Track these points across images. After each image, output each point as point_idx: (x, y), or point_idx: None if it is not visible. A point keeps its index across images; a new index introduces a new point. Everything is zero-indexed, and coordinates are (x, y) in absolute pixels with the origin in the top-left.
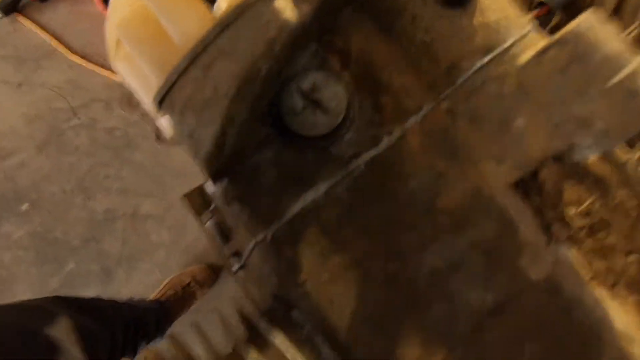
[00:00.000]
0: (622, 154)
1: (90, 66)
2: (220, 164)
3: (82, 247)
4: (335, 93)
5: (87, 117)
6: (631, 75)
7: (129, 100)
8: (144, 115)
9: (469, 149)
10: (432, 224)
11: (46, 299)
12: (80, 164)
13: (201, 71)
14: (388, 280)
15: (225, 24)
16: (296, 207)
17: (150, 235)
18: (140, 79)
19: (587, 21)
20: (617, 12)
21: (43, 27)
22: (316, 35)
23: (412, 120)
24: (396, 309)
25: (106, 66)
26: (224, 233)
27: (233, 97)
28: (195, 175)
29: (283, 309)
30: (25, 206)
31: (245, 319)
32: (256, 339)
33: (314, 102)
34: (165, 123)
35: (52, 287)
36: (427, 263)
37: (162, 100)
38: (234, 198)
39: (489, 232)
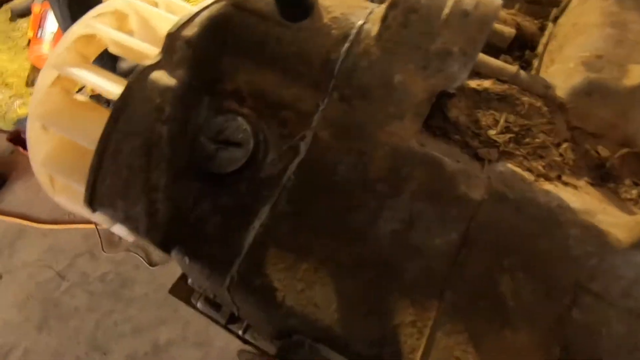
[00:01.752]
0: (510, 67)
1: (63, 227)
2: (164, 232)
3: None
4: (237, 127)
5: (76, 274)
6: (456, 3)
7: (109, 240)
8: (128, 248)
9: (371, 120)
10: (373, 196)
11: None
12: (85, 324)
13: (112, 159)
14: (357, 263)
15: (118, 111)
16: (249, 238)
17: None
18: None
19: None
20: None
21: (6, 213)
22: (205, 89)
23: (316, 119)
24: (375, 285)
25: (77, 220)
26: (216, 304)
27: (147, 166)
28: None
29: (287, 342)
30: None
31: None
32: None
33: (223, 142)
34: (119, 230)
35: None
36: (384, 231)
37: (91, 201)
38: (191, 259)
39: (421, 178)
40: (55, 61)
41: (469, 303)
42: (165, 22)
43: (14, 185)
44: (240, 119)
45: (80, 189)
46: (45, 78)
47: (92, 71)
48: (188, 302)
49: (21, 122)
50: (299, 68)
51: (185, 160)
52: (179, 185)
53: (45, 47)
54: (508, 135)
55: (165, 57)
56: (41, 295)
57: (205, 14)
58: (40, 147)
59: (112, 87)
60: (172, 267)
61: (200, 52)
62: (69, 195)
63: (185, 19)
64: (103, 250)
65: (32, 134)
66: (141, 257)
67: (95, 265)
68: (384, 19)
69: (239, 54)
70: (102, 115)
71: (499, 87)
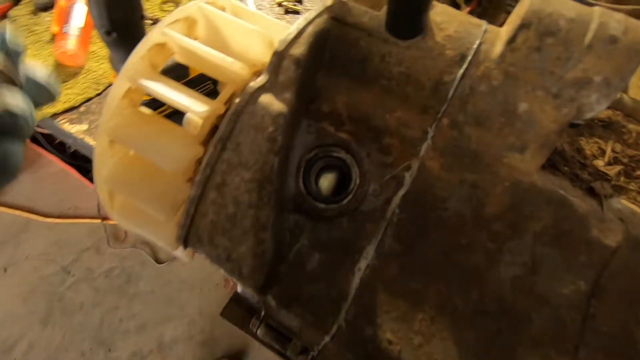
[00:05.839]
0: None
1: (69, 221)
2: (266, 274)
3: None
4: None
5: (81, 270)
6: (601, 26)
7: (116, 236)
8: (135, 244)
9: (487, 151)
10: (490, 236)
11: None
12: (90, 319)
13: (216, 192)
14: (477, 311)
15: (225, 139)
16: (355, 281)
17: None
18: (143, 220)
19: None
20: None
21: (11, 205)
22: (302, 111)
23: (424, 147)
24: (499, 338)
25: (83, 215)
26: (282, 335)
27: (257, 203)
28: (204, 281)
29: None
30: None
31: None
32: None
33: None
34: (180, 253)
35: None
36: (505, 276)
37: (187, 236)
38: (290, 301)
39: (547, 219)
40: (130, 72)
41: None
42: (234, 29)
43: (21, 178)
44: (342, 146)
45: (142, 209)
46: (118, 90)
47: (168, 85)
48: (243, 327)
49: (46, 121)
50: (406, 90)
51: (290, 192)
52: (279, 219)
53: (71, 42)
54: (617, 167)
55: (272, 78)
56: (46, 289)
57: (310, 30)
58: (104, 162)
59: (196, 105)
60: (179, 265)
61: (307, 72)
62: (127, 212)
63: (291, 35)
64: (109, 245)
65: (100, 149)
66: (147, 253)
67: (101, 260)
68: (511, 40)
69: (336, 72)
70: (172, 130)
71: (602, 114)
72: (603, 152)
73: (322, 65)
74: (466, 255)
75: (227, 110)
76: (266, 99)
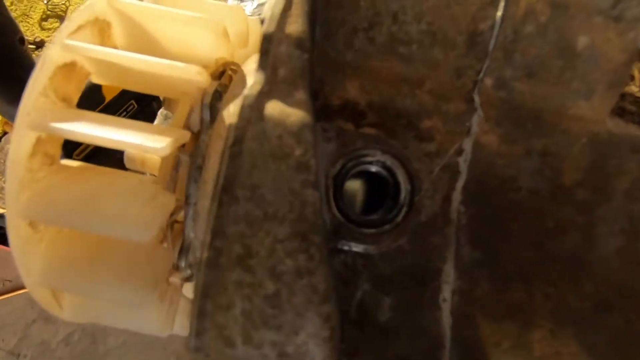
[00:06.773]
0: None
1: (2, 298)
2: (338, 356)
3: None
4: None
5: (34, 346)
6: None
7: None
8: None
9: (547, 106)
10: (576, 208)
11: None
12: None
13: (240, 269)
14: (598, 306)
15: (231, 185)
16: (446, 318)
17: None
18: (113, 313)
19: None
20: None
21: None
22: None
23: (475, 120)
24: (631, 327)
25: (16, 287)
26: None
27: (307, 266)
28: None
29: None
30: None
31: None
32: None
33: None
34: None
35: None
36: (607, 251)
37: (205, 344)
38: None
39: (635, 170)
40: (32, 117)
41: None
42: (167, 23)
43: None
44: (375, 147)
45: (101, 296)
46: (20, 147)
47: (96, 121)
48: None
49: None
50: (433, 53)
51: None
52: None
53: None
54: None
55: (269, 76)
56: None
57: None
58: (31, 255)
59: (151, 141)
60: None
61: (312, 57)
62: (86, 311)
63: (279, 7)
64: None
65: (17, 240)
66: None
67: (54, 329)
68: None
69: (336, 50)
70: (121, 183)
71: None
72: (632, 77)
73: (315, 45)
74: (560, 240)
75: (197, 136)
76: (275, 108)
